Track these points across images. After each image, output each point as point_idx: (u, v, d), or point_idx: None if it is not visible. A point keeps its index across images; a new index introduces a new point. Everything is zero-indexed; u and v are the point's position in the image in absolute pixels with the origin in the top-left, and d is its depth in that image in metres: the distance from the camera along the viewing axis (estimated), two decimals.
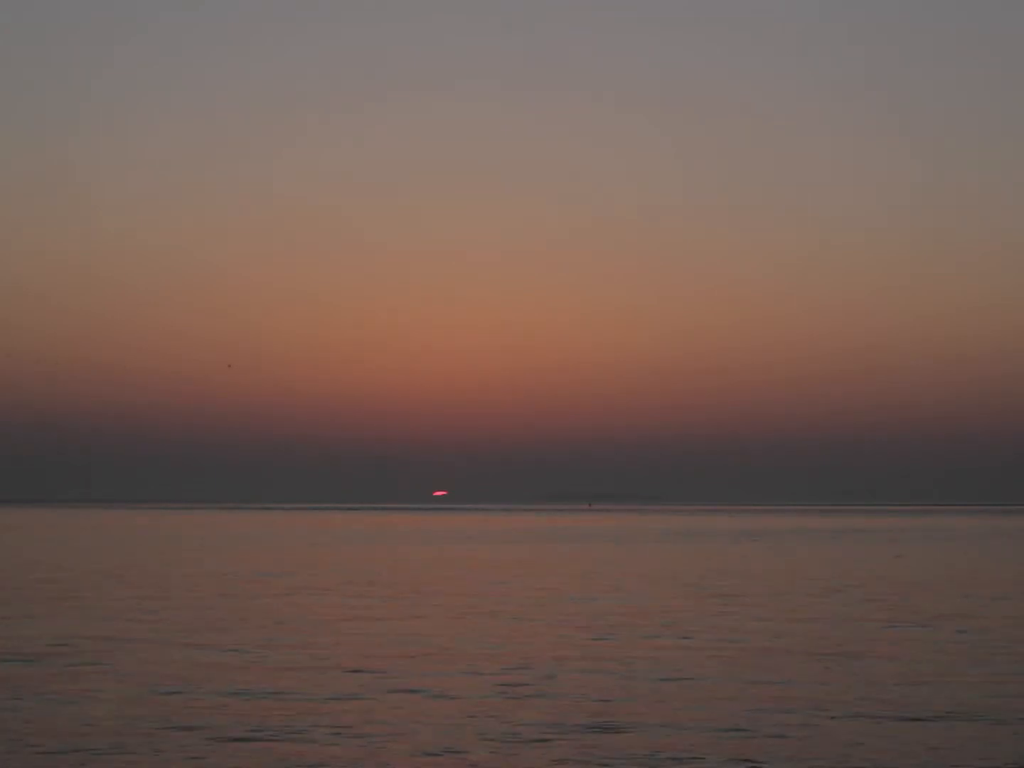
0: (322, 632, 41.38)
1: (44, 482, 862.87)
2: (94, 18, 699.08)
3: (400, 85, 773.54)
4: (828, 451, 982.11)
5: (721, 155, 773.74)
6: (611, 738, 24.08)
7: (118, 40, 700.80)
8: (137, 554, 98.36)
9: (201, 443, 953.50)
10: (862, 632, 42.10)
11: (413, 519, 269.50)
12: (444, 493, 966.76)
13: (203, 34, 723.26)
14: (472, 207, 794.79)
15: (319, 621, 45.24)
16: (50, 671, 32.19)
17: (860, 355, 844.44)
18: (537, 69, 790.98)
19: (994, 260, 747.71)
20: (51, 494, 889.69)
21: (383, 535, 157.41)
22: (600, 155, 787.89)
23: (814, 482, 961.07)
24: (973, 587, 64.61)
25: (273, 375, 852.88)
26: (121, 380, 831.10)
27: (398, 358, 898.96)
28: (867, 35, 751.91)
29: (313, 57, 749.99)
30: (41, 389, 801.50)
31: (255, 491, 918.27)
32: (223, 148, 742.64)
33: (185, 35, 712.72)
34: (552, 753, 22.88)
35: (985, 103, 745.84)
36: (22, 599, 54.16)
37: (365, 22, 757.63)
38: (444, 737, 24.06)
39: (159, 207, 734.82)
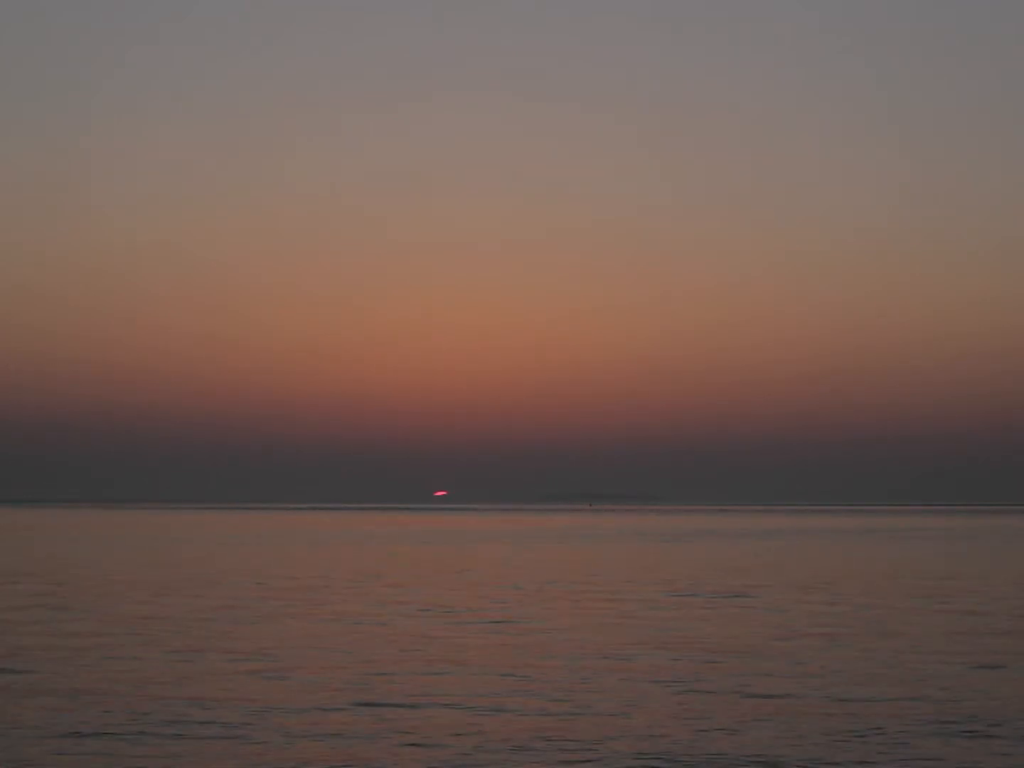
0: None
1: (44, 482, 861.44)
2: (106, 17, 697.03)
3: (407, 88, 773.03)
4: (827, 451, 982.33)
5: (717, 156, 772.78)
6: None
7: (130, 40, 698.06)
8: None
9: (201, 443, 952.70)
10: None
11: (435, 519, 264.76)
12: (444, 493, 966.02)
13: (210, 34, 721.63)
14: (472, 208, 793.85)
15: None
16: None
17: (858, 354, 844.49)
18: (540, 76, 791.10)
19: (989, 260, 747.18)
20: (50, 494, 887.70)
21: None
22: (600, 156, 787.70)
23: (813, 482, 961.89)
24: None
25: (275, 374, 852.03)
26: (126, 380, 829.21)
27: (399, 358, 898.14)
28: (861, 35, 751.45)
29: (323, 59, 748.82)
30: (42, 389, 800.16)
31: (252, 491, 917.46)
32: (232, 148, 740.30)
33: (192, 35, 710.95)
34: None
35: (980, 103, 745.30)
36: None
37: (375, 27, 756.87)
38: None
39: (166, 207, 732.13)
